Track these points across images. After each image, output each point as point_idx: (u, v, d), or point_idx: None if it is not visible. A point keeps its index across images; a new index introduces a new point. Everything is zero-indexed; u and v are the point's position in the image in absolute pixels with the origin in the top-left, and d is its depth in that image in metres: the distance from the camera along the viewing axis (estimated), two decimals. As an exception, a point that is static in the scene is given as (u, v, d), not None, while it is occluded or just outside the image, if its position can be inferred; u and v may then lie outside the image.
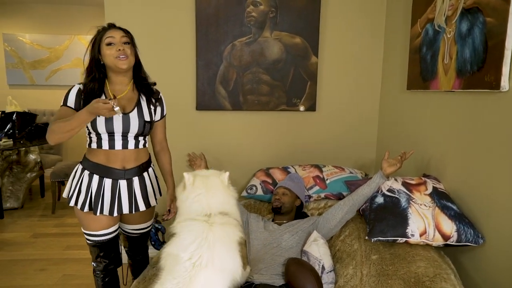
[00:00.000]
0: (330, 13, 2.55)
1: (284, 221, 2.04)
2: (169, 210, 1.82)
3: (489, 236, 1.62)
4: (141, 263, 1.94)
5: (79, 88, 1.59)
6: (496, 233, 1.57)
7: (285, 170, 2.38)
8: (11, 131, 3.71)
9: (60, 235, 3.19)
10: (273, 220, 2.10)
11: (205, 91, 2.53)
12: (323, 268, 1.78)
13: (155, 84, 1.76)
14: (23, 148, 3.69)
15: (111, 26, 1.59)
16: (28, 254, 2.81)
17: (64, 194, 1.68)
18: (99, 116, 1.48)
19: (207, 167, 2.28)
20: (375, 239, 1.72)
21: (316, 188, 2.25)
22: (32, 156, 3.79)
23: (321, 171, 2.33)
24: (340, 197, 2.22)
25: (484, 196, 1.66)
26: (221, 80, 2.53)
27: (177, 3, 2.45)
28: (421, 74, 2.10)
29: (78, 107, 1.55)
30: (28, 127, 3.89)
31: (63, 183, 4.31)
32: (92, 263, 1.77)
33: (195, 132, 2.59)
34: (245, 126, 2.63)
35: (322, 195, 2.24)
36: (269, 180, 2.34)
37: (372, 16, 2.58)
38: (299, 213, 2.13)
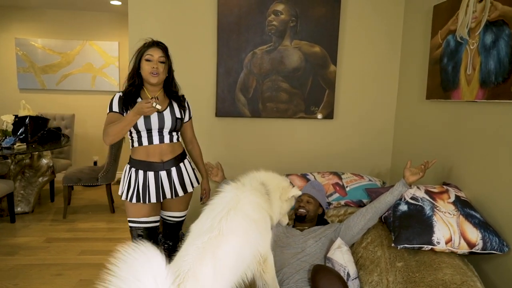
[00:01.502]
0: (348, 23, 2.60)
1: (306, 227, 2.06)
2: (201, 198, 2.13)
3: (515, 245, 1.64)
4: (171, 251, 2.09)
5: (120, 95, 1.87)
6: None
7: (304, 177, 2.40)
8: (23, 135, 3.72)
9: (73, 240, 3.19)
10: (293, 226, 2.12)
11: (225, 98, 2.56)
12: (348, 275, 1.80)
13: (183, 96, 2.00)
14: (37, 153, 3.70)
15: (154, 44, 1.84)
16: (43, 259, 2.81)
17: (119, 192, 1.92)
18: (143, 115, 1.74)
19: (224, 177, 2.32)
20: (401, 246, 1.73)
21: (336, 195, 2.27)
22: (44, 161, 3.80)
23: (340, 179, 2.35)
24: (360, 204, 2.24)
25: (507, 204, 1.68)
26: (241, 87, 2.56)
27: (199, 11, 2.49)
28: (442, 84, 2.14)
29: (121, 111, 1.84)
30: (41, 131, 3.90)
31: (72, 188, 4.32)
32: None
33: (214, 139, 2.62)
34: (264, 133, 2.66)
35: (342, 202, 2.26)
36: (289, 187, 2.35)
37: (389, 27, 2.63)
38: (321, 220, 2.14)
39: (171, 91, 1.92)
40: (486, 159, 1.82)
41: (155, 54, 1.81)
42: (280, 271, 1.81)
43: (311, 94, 2.61)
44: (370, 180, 2.33)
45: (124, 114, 1.82)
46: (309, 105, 2.63)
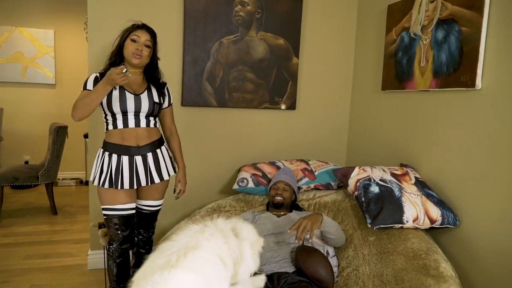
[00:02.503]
0: (310, 18, 2.73)
1: (282, 213, 2.11)
2: (175, 189, 2.06)
3: (463, 219, 1.89)
4: (145, 243, 2.04)
5: (96, 75, 1.79)
6: (468, 216, 1.85)
7: (273, 164, 2.47)
8: None
9: (14, 245, 2.85)
10: (267, 210, 2.17)
11: (191, 87, 2.52)
12: (327, 253, 1.90)
13: (165, 84, 1.96)
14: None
15: (143, 26, 1.81)
16: (-21, 267, 2.48)
17: (90, 178, 1.85)
18: (114, 88, 1.70)
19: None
20: (377, 226, 1.87)
21: (306, 179, 2.37)
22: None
23: (308, 164, 2.46)
24: (328, 187, 2.38)
25: (457, 183, 1.93)
26: (208, 76, 2.54)
27: (164, -3, 2.42)
28: (397, 76, 2.36)
29: None
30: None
31: (17, 187, 3.90)
32: (109, 245, 1.88)
33: (179, 128, 2.51)
34: (230, 123, 2.66)
35: (312, 185, 2.37)
36: (259, 173, 2.40)
37: (344, 25, 2.82)
38: (293, 205, 2.22)
39: (153, 78, 1.87)
40: (438, 142, 2.07)
41: (142, 36, 1.76)
42: (263, 256, 1.83)
43: (276, 85, 2.69)
44: (335, 165, 2.48)
45: None
46: (273, 96, 2.70)
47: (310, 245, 1.88)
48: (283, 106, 2.74)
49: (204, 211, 2.36)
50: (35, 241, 2.95)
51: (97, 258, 2.49)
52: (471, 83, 1.83)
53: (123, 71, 1.57)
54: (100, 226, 2.30)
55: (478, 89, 1.82)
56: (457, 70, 1.91)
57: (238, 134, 2.69)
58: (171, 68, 2.48)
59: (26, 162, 4.70)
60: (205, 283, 1.15)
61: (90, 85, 1.75)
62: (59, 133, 3.46)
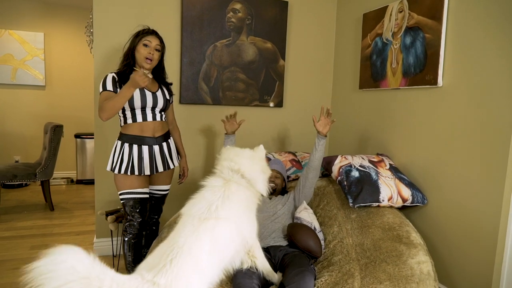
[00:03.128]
0: (294, 24, 3.03)
1: (273, 196, 2.39)
2: (180, 175, 2.35)
3: (430, 198, 2.22)
4: (156, 225, 2.27)
5: (113, 75, 1.98)
6: (434, 195, 2.17)
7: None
8: None
9: (18, 238, 2.99)
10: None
11: (188, 86, 2.75)
12: (314, 228, 2.18)
13: (171, 84, 2.23)
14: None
15: (154, 32, 2.03)
16: (-12, 257, 2.61)
17: (108, 168, 2.03)
18: (137, 88, 1.86)
19: (234, 131, 2.44)
20: (358, 205, 2.17)
21: (294, 169, 2.65)
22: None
23: (295, 156, 2.74)
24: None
25: (423, 167, 2.26)
26: (203, 76, 2.78)
27: (164, 3, 2.64)
28: (372, 76, 2.69)
29: (115, 89, 1.95)
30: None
31: (9, 186, 4.00)
32: (125, 229, 2.05)
33: (179, 124, 2.78)
34: (224, 119, 2.91)
35: (299, 174, 2.65)
36: (252, 165, 2.66)
37: (324, 31, 3.13)
38: (284, 191, 2.50)
39: (161, 77, 2.11)
40: (408, 133, 2.39)
41: (153, 41, 1.99)
42: (258, 232, 2.10)
43: (264, 84, 2.96)
44: (319, 156, 2.77)
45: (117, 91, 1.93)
46: (262, 95, 2.98)
47: (299, 222, 2.16)
48: (271, 104, 3.01)
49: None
50: (37, 234, 3.09)
51: (103, 245, 2.68)
52: (434, 81, 2.16)
53: (146, 73, 1.79)
54: (108, 214, 2.50)
55: (440, 86, 2.15)
56: (422, 71, 2.24)
57: (231, 130, 2.94)
58: (170, 69, 2.69)
59: (17, 162, 4.76)
60: (236, 225, 1.52)
61: (109, 86, 1.93)
62: (56, 132, 3.60)
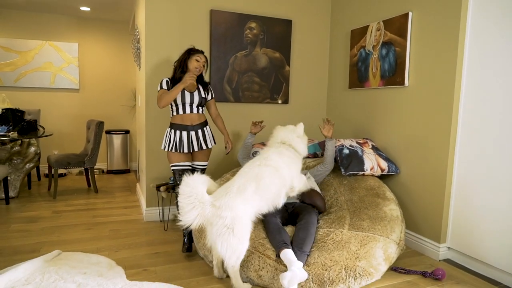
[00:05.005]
0: (297, 38, 3.82)
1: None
2: (226, 147, 3.02)
3: (401, 169, 3.02)
4: None
5: (167, 79, 2.75)
6: (405, 167, 2.97)
7: (276, 141, 3.52)
8: (11, 125, 4.04)
9: (79, 211, 3.72)
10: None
11: (215, 88, 3.52)
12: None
13: (208, 84, 2.92)
14: (27, 140, 4.05)
15: (202, 52, 2.78)
16: (65, 222, 3.34)
17: (162, 147, 2.81)
18: (184, 85, 2.59)
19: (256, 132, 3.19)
20: (348, 173, 2.96)
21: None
22: (33, 148, 4.15)
23: (300, 141, 3.53)
24: (315, 155, 3.45)
25: (397, 148, 3.05)
26: (227, 80, 3.56)
27: (198, 24, 3.42)
28: (358, 78, 3.48)
29: (168, 88, 2.72)
30: (21, 123, 4.23)
31: (46, 176, 4.67)
32: (176, 190, 2.71)
33: (208, 117, 3.55)
34: (243, 114, 3.69)
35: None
36: (267, 148, 3.44)
37: (320, 43, 3.93)
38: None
39: (202, 81, 2.85)
40: (385, 122, 3.19)
41: (202, 59, 2.75)
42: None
43: (274, 86, 3.75)
44: (318, 141, 3.56)
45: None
46: (273, 94, 3.76)
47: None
48: (279, 101, 3.79)
49: (229, 174, 3.37)
50: (93, 208, 3.83)
51: (151, 213, 3.45)
52: (402, 82, 2.96)
53: (193, 77, 2.60)
54: (158, 186, 3.26)
55: (406, 86, 2.96)
56: (394, 74, 3.05)
57: (248, 122, 3.72)
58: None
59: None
60: (278, 171, 2.28)
61: (165, 85, 2.70)
62: (100, 126, 4.35)
